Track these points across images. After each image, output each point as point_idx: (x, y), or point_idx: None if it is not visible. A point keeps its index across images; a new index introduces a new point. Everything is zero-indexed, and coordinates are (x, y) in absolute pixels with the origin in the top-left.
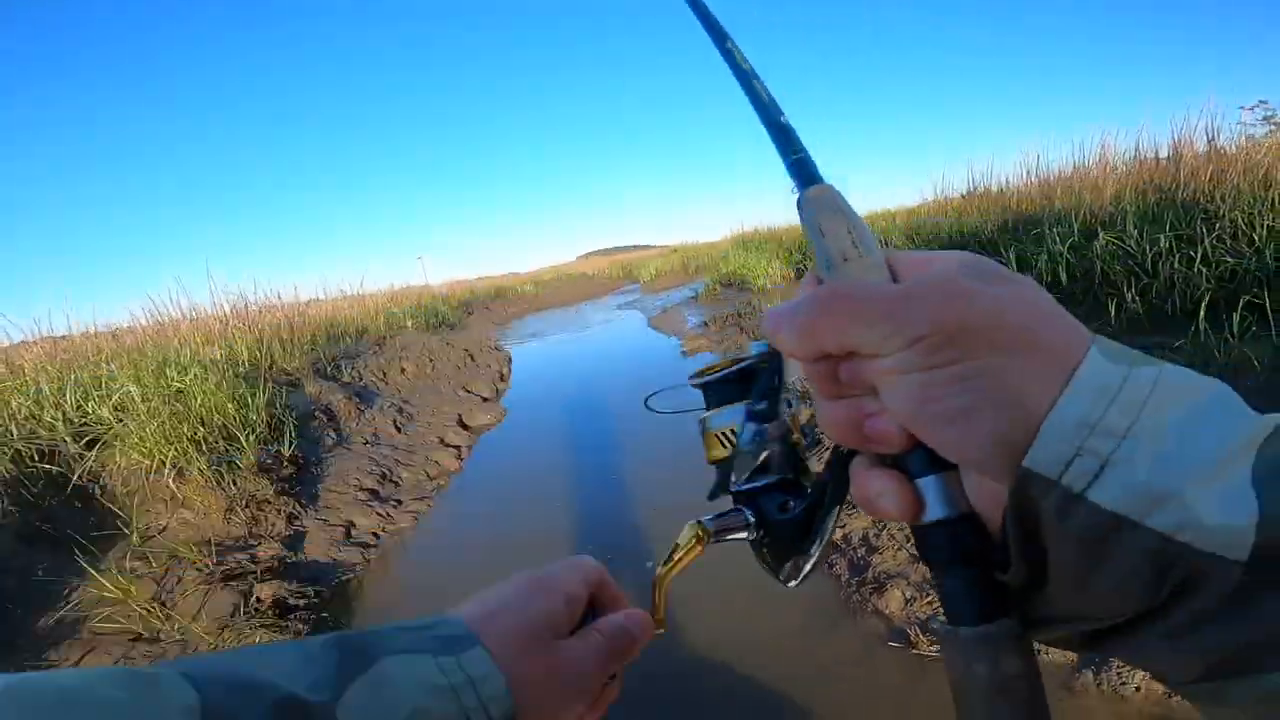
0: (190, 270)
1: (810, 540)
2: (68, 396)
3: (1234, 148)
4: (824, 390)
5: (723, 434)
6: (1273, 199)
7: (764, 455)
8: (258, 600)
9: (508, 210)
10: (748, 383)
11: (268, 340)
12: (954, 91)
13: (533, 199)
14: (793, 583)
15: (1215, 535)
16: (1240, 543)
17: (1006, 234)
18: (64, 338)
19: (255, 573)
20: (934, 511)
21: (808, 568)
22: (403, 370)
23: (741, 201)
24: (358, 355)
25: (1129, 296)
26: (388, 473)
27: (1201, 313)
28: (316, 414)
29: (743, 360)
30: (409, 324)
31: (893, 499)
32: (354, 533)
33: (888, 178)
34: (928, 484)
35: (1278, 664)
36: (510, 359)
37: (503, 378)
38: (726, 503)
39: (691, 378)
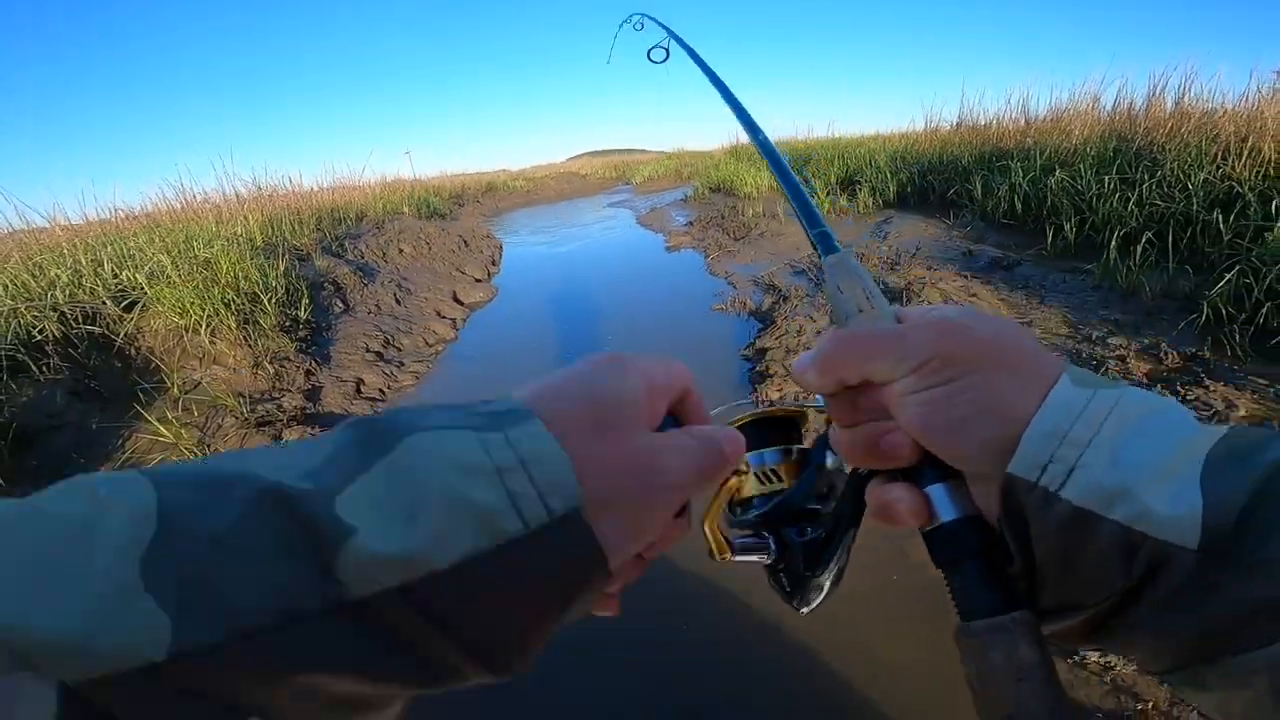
0: (199, 159)
1: (823, 565)
2: (105, 266)
3: (1196, 107)
4: (844, 419)
5: (767, 471)
6: (1214, 154)
7: (811, 489)
8: (284, 442)
9: (500, 106)
10: (782, 429)
11: (278, 220)
12: (972, 22)
13: (527, 95)
14: (805, 609)
15: (1167, 525)
16: (1190, 531)
17: (980, 164)
18: (85, 224)
19: (283, 420)
20: (942, 514)
21: (820, 597)
22: (401, 251)
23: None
24: (359, 236)
25: (1068, 227)
26: (390, 339)
27: (1112, 244)
28: (325, 285)
29: (779, 409)
30: (406, 210)
31: (906, 505)
32: (363, 389)
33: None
34: (935, 491)
35: (1239, 648)
36: (501, 247)
37: (494, 262)
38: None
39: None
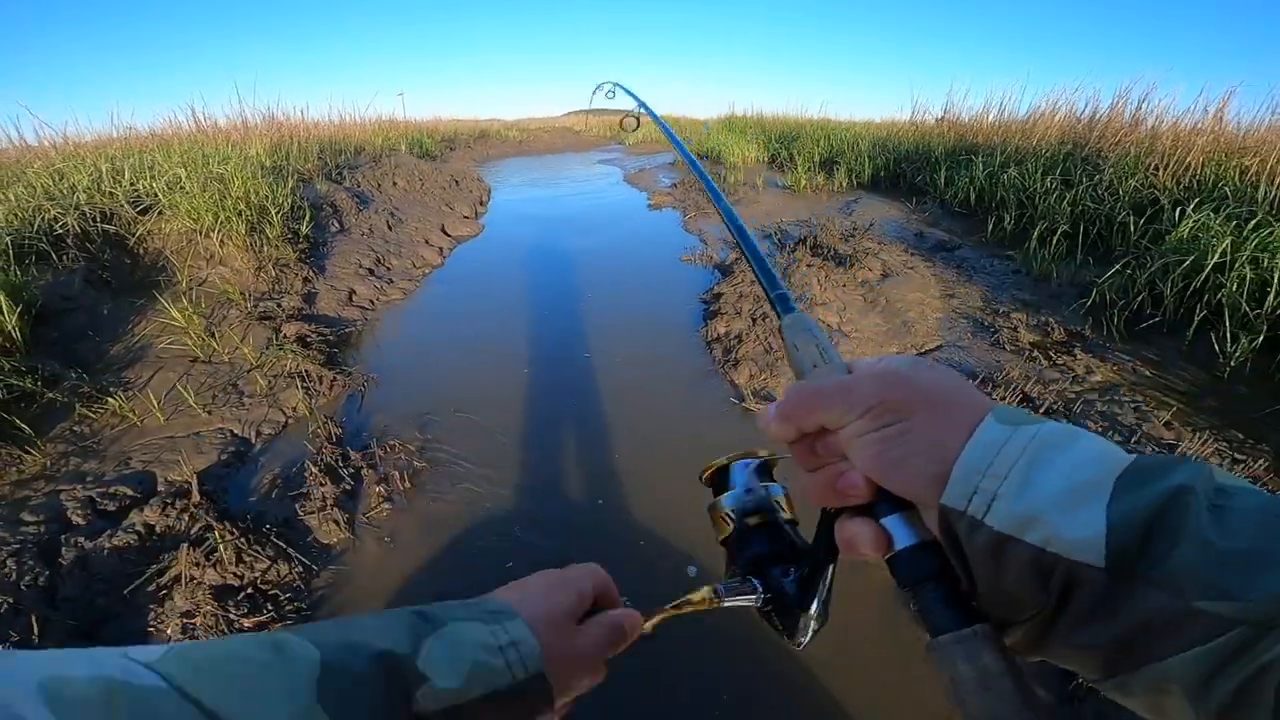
0: (215, 90)
1: (810, 597)
2: (125, 175)
3: (1148, 121)
4: (805, 463)
5: (726, 514)
6: (1149, 165)
7: (758, 519)
8: (284, 335)
9: (500, 54)
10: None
11: (284, 147)
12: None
13: (528, 47)
14: (803, 642)
15: (1075, 547)
16: (1095, 552)
17: (949, 157)
18: (99, 141)
19: (282, 316)
20: (899, 542)
21: (813, 627)
22: (395, 184)
23: (738, 85)
24: (357, 167)
25: (1007, 218)
26: (381, 259)
27: (1035, 235)
28: (324, 207)
29: (743, 454)
30: (402, 147)
31: (866, 537)
32: (355, 298)
33: (884, 89)
34: (891, 522)
35: (1152, 656)
36: (490, 190)
37: (482, 203)
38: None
39: (701, 477)
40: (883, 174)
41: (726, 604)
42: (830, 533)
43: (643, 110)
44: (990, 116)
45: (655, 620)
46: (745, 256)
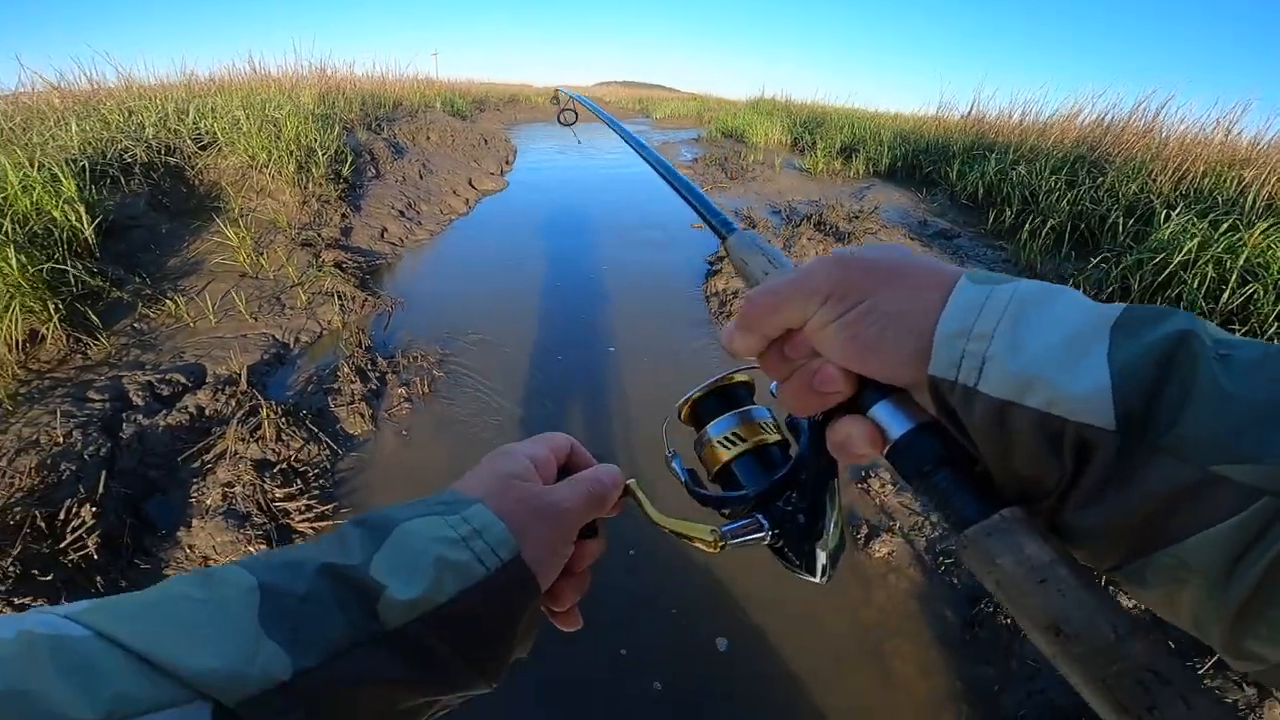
0: (273, 41)
1: (820, 523)
2: (189, 115)
3: (1162, 130)
4: (778, 373)
5: (729, 436)
6: (1152, 170)
7: (766, 440)
8: (323, 260)
9: (533, 19)
10: (728, 399)
11: (331, 96)
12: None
13: (561, 12)
14: (823, 577)
15: (1080, 404)
16: (1103, 409)
17: (966, 152)
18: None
19: (322, 244)
20: (894, 431)
21: (830, 555)
22: (428, 138)
23: (773, 68)
24: (395, 120)
25: (1008, 213)
26: (412, 203)
27: (1026, 228)
28: (364, 153)
29: (720, 380)
30: (437, 104)
31: (859, 434)
32: (386, 235)
33: (914, 83)
34: (881, 410)
35: (1168, 538)
36: (516, 151)
37: (508, 162)
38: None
39: (680, 417)
40: (900, 164)
41: (733, 545)
42: (823, 448)
43: (583, 104)
44: (1015, 117)
45: (656, 514)
46: (676, 188)
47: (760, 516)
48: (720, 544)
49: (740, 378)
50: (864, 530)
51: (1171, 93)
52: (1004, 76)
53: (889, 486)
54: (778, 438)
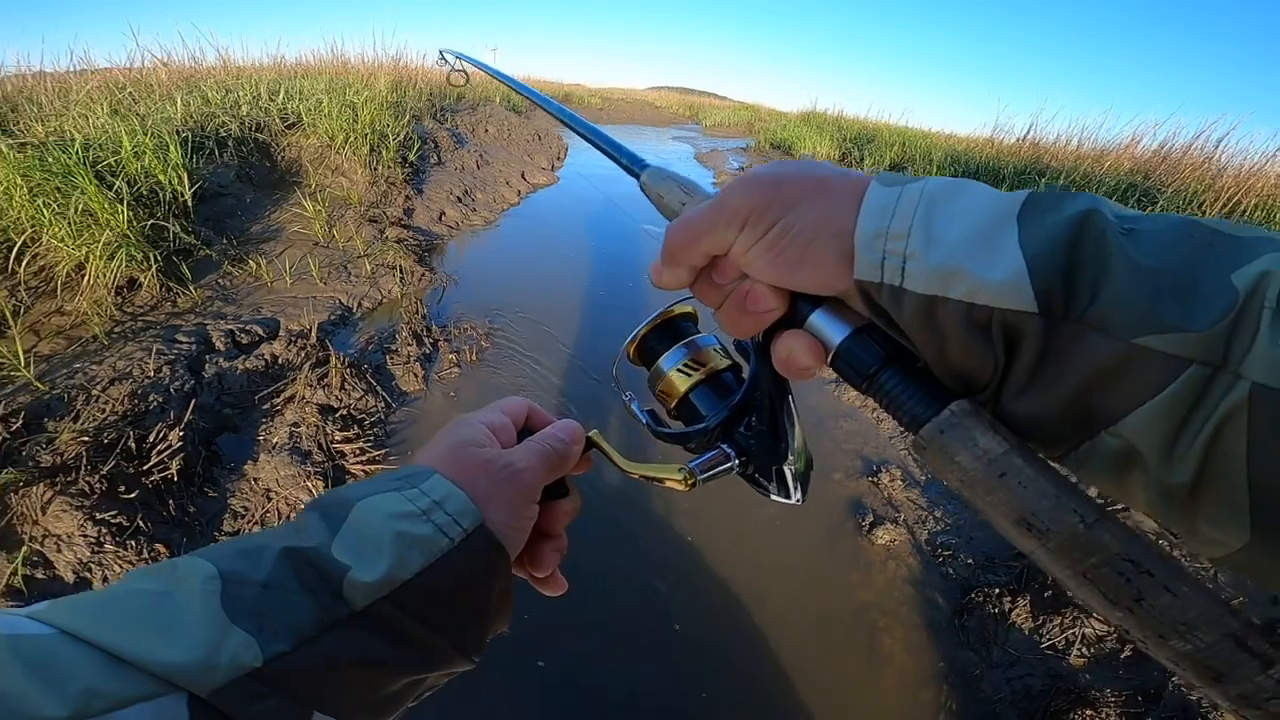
0: (353, 28)
1: (783, 445)
2: (279, 95)
3: (1221, 159)
4: (711, 300)
5: (682, 366)
6: (1203, 200)
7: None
8: (387, 236)
9: (591, 21)
10: (674, 331)
11: (404, 85)
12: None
13: (618, 14)
14: (796, 497)
15: (1000, 291)
16: (1023, 293)
17: (1015, 175)
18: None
19: (386, 221)
20: (833, 338)
21: (791, 475)
22: (486, 130)
23: (827, 81)
24: (458, 111)
25: None
26: (469, 191)
27: None
28: (429, 140)
29: (662, 314)
30: (496, 99)
31: (800, 348)
32: (444, 218)
33: (973, 104)
34: (817, 320)
35: (1106, 416)
36: (567, 148)
37: (559, 158)
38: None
39: (629, 358)
40: None
41: (704, 480)
42: (771, 368)
43: (477, 67)
44: (1073, 143)
45: (624, 462)
46: (584, 135)
47: (725, 447)
48: (691, 481)
49: (683, 309)
50: (869, 519)
51: (1234, 123)
52: (1067, 100)
53: (898, 482)
54: (728, 363)
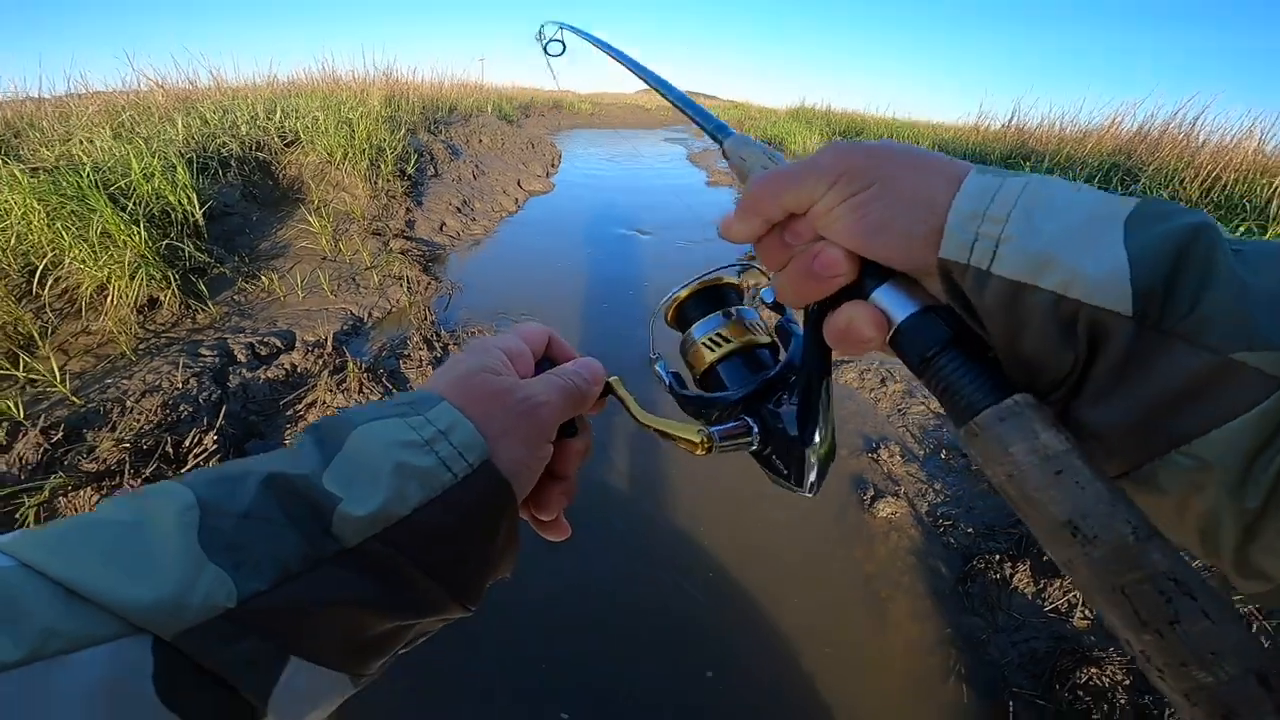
0: (343, 44)
1: (810, 429)
2: (276, 114)
3: (1199, 137)
4: (776, 260)
5: (709, 339)
6: (1183, 178)
7: (756, 339)
8: (391, 247)
9: (579, 23)
10: (716, 299)
11: (396, 100)
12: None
13: (605, 17)
14: (810, 490)
15: (1097, 286)
16: (1120, 293)
17: (1001, 160)
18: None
19: (389, 233)
20: (899, 314)
21: (819, 464)
22: (481, 140)
23: (815, 76)
24: (451, 123)
25: None
26: (467, 201)
27: None
28: (425, 153)
29: (705, 277)
30: (489, 110)
31: (862, 318)
32: (445, 228)
33: (955, 92)
34: (885, 294)
35: (1186, 432)
36: (561, 155)
37: (554, 165)
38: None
39: (665, 319)
40: None
41: (721, 448)
42: (819, 343)
43: (565, 31)
44: (1056, 126)
45: (641, 412)
46: (674, 102)
47: (748, 419)
48: (708, 445)
49: (728, 279)
50: (870, 493)
51: (1209, 100)
52: (1047, 82)
53: (897, 457)
54: (768, 340)
